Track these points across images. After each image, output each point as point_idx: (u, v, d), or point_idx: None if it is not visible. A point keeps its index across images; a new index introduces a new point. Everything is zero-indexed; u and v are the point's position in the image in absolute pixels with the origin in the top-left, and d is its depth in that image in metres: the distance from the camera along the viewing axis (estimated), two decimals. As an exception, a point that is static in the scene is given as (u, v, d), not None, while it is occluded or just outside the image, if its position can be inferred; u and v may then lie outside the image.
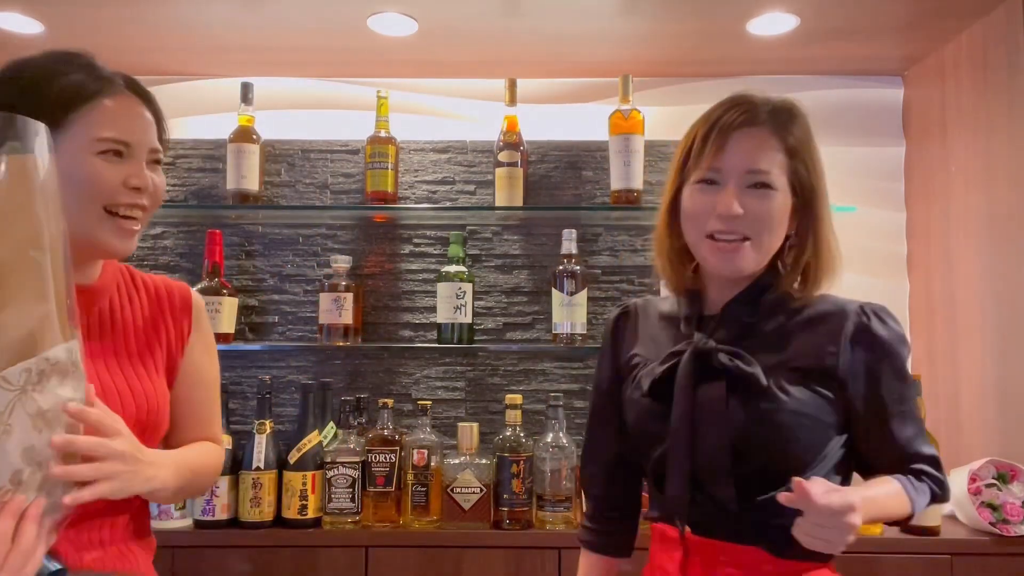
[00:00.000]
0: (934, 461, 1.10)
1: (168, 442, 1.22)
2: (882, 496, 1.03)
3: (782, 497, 0.92)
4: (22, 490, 0.81)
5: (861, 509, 0.90)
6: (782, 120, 1.11)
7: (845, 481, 1.12)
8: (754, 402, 1.06)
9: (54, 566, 0.88)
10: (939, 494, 1.09)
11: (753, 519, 1.05)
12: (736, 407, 1.07)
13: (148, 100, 1.11)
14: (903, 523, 1.09)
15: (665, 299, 1.28)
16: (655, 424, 1.13)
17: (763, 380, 1.05)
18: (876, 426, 1.09)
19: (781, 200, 1.10)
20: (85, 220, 1.03)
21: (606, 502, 1.30)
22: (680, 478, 1.09)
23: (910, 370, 1.13)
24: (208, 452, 1.23)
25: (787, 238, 1.14)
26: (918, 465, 1.08)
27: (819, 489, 0.90)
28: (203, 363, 1.25)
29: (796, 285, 1.14)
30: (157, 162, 1.11)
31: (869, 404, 1.09)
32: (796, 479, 0.91)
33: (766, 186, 1.09)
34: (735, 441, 1.06)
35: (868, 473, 1.12)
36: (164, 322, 1.20)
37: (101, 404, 0.94)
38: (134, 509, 1.14)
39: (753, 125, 1.10)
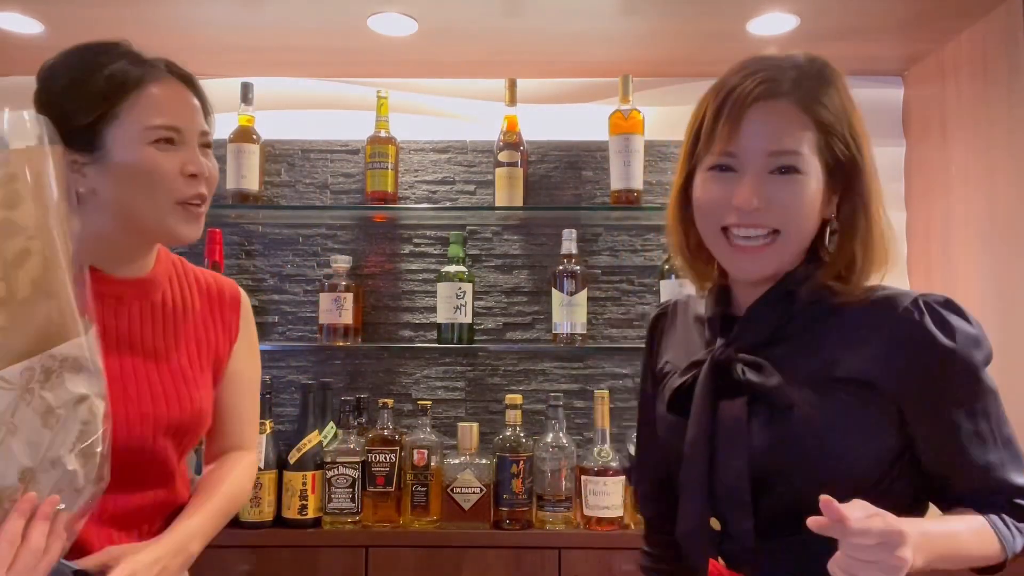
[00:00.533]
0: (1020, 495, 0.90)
1: (211, 444, 1.22)
2: (953, 531, 0.84)
3: (812, 522, 0.74)
4: (32, 488, 0.80)
5: (912, 541, 0.73)
6: (811, 88, 0.92)
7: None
8: (778, 422, 0.90)
9: (73, 567, 0.88)
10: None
11: (783, 557, 0.90)
12: (758, 428, 0.91)
13: (191, 84, 1.10)
14: (994, 570, 0.90)
15: (702, 297, 1.10)
16: (680, 443, 0.98)
17: (787, 396, 0.89)
18: (947, 453, 0.90)
19: (813, 185, 0.91)
20: (155, 210, 1.03)
21: (659, 522, 1.12)
22: (693, 509, 0.96)
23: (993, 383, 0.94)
24: (238, 479, 1.19)
25: (825, 223, 0.95)
26: (1016, 499, 0.89)
27: (858, 513, 0.73)
28: (247, 366, 1.24)
29: (838, 278, 0.95)
30: (207, 146, 1.10)
31: (933, 426, 0.90)
32: (825, 498, 0.73)
33: (793, 170, 0.90)
34: (755, 468, 0.90)
35: (950, 513, 0.93)
36: (215, 322, 1.19)
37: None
38: (169, 515, 1.13)
39: (774, 96, 0.91)
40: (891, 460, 0.91)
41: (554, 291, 2.18)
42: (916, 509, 0.94)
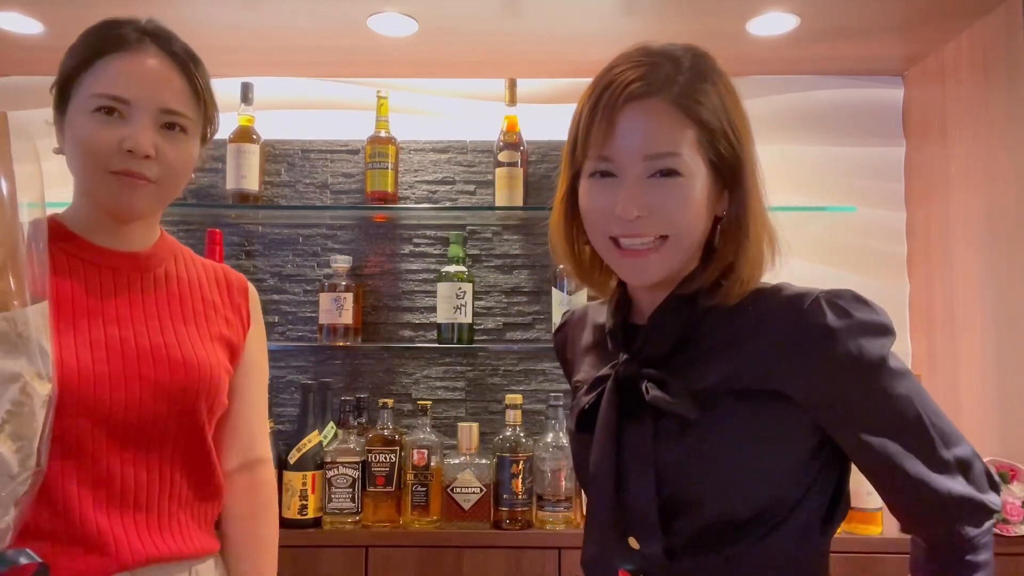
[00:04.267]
0: (967, 507, 0.87)
1: (227, 444, 1.17)
2: None
3: None
4: None
5: None
6: (687, 83, 0.86)
7: (824, 535, 0.89)
8: (685, 439, 0.85)
9: (31, 558, 0.82)
10: (983, 561, 0.87)
11: None
12: (666, 446, 0.86)
13: (183, 65, 1.05)
14: None
15: (604, 304, 1.03)
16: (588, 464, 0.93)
17: (692, 412, 0.84)
18: (872, 461, 0.86)
19: (698, 186, 0.85)
20: (90, 179, 1.02)
21: None
22: (600, 534, 0.91)
23: (903, 366, 0.88)
24: (262, 545, 1.21)
25: (717, 220, 0.91)
26: (952, 526, 0.87)
27: None
28: (260, 357, 1.24)
29: (730, 278, 0.89)
30: (176, 127, 1.03)
31: (852, 434, 0.85)
32: None
33: (674, 173, 0.85)
34: (665, 487, 0.86)
35: (904, 526, 0.92)
36: (223, 304, 1.17)
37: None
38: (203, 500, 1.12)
39: (648, 95, 0.85)
40: (817, 474, 0.87)
41: (554, 291, 2.18)
42: (827, 527, 0.89)
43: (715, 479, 0.85)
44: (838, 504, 0.90)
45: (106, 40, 1.03)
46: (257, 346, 1.22)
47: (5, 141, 0.82)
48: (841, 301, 0.84)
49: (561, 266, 0.99)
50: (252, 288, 1.24)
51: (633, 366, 0.90)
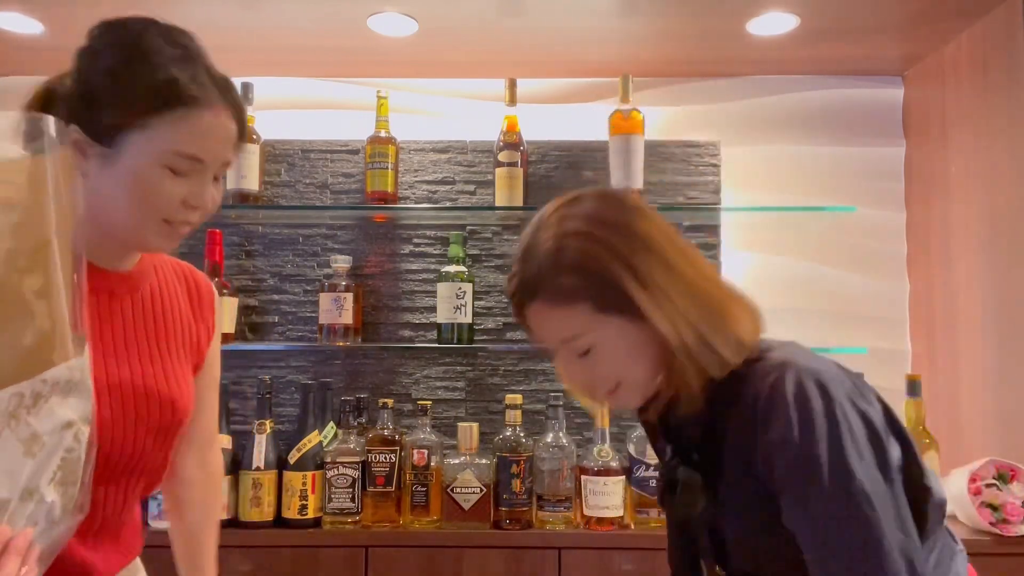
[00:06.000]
0: None
1: (183, 443, 1.20)
2: None
3: None
4: (7, 520, 0.74)
5: None
6: (553, 274, 0.93)
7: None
8: (725, 519, 0.98)
9: None
10: None
11: None
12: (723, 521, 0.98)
13: (239, 114, 1.01)
14: None
15: None
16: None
17: (718, 513, 0.96)
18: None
19: (615, 343, 0.93)
20: (136, 223, 0.97)
21: None
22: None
23: (853, 444, 0.86)
24: (217, 511, 1.31)
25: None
26: None
27: None
28: (216, 364, 1.25)
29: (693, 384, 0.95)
30: (223, 175, 1.04)
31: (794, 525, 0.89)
32: None
33: (586, 350, 0.94)
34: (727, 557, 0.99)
35: None
36: (195, 317, 1.17)
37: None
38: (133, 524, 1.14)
39: (527, 303, 0.96)
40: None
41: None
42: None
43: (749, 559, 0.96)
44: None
45: (196, 86, 0.95)
46: (215, 351, 1.24)
47: (67, 179, 0.80)
48: (782, 380, 0.89)
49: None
50: (216, 293, 1.24)
51: (673, 464, 1.01)
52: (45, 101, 0.98)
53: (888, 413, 0.95)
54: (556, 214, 0.96)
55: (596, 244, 0.92)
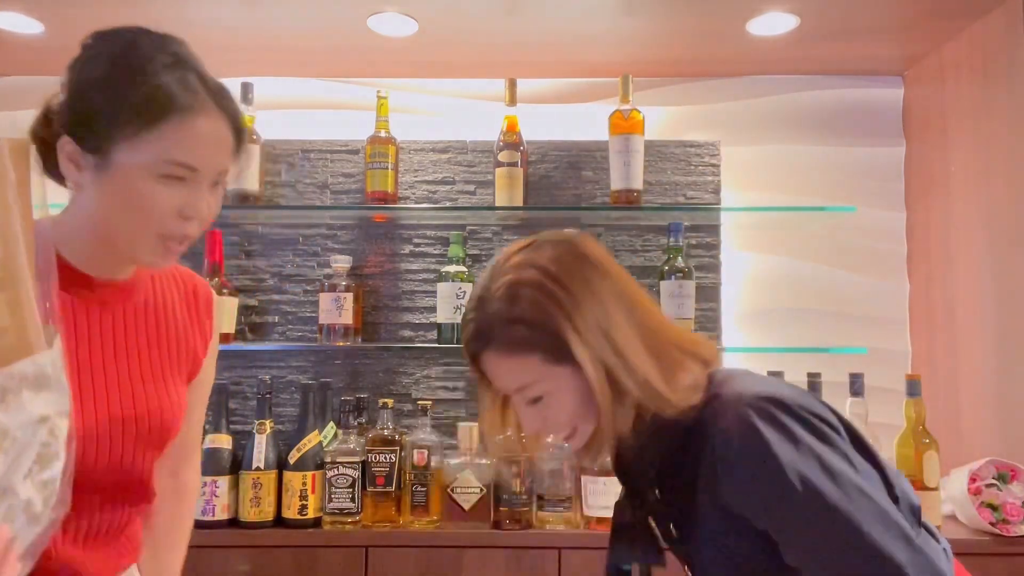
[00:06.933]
0: None
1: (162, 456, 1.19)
2: None
3: None
4: None
5: None
6: (503, 324, 0.96)
7: None
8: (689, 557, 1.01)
9: None
10: None
11: None
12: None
13: (234, 121, 1.00)
14: None
15: None
16: None
17: (685, 548, 1.00)
18: None
19: (567, 392, 0.96)
20: (132, 237, 0.96)
21: None
22: None
23: (809, 469, 0.87)
24: (188, 529, 1.25)
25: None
26: None
27: None
28: (210, 368, 1.23)
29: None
30: (219, 183, 1.02)
31: (785, 554, 0.92)
32: None
33: (537, 399, 0.98)
34: None
35: None
36: (192, 325, 1.15)
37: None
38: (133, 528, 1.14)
39: (481, 353, 0.99)
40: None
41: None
42: None
43: None
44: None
45: (187, 93, 0.94)
46: (210, 358, 1.21)
47: (25, 169, 0.78)
48: (726, 412, 0.92)
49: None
50: (216, 297, 1.23)
51: (637, 498, 1.06)
52: (45, 120, 0.98)
53: (849, 428, 0.97)
54: (510, 262, 0.99)
55: (546, 297, 0.94)
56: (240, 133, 1.01)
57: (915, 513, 0.97)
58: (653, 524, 1.04)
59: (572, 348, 0.93)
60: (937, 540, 0.99)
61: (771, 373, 1.98)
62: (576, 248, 0.99)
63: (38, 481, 0.76)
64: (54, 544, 0.96)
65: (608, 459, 1.11)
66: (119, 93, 0.92)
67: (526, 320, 0.95)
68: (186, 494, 1.25)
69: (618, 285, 0.98)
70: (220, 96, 0.98)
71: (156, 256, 0.99)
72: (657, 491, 1.03)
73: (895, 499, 0.94)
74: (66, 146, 0.93)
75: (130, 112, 0.91)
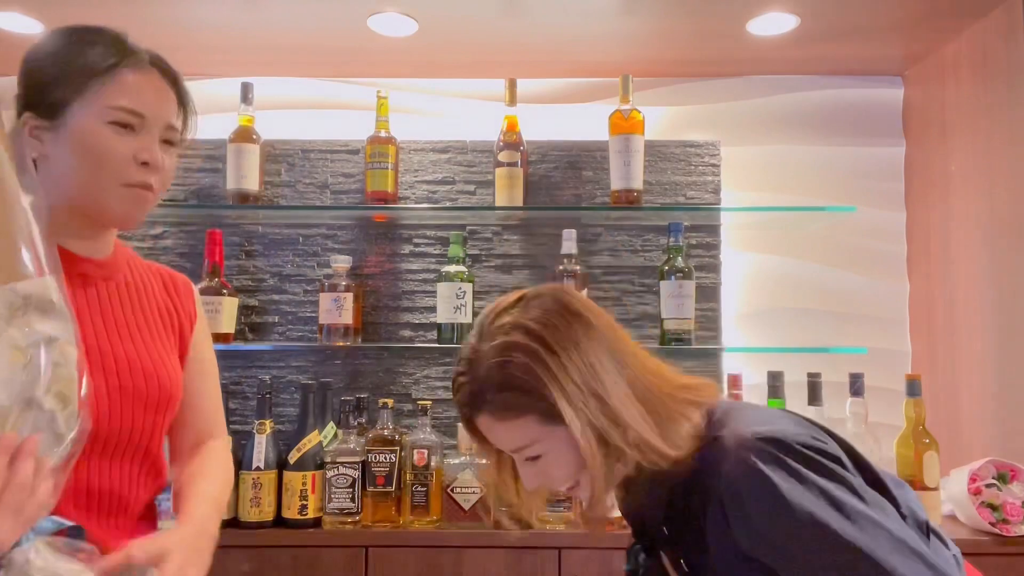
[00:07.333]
0: None
1: (181, 434, 1.22)
2: None
3: None
4: (11, 428, 0.76)
5: None
6: (483, 393, 0.97)
7: None
8: None
9: (67, 523, 0.85)
10: None
11: None
12: None
13: (174, 80, 1.09)
14: None
15: None
16: None
17: None
18: None
19: (564, 450, 0.96)
20: (99, 190, 1.03)
21: None
22: None
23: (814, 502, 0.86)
24: (223, 470, 1.21)
25: None
26: None
27: None
28: (207, 352, 1.27)
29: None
30: (171, 143, 1.09)
31: None
32: None
33: (534, 457, 0.98)
34: None
35: None
36: (173, 303, 1.21)
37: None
38: (144, 509, 1.14)
39: (476, 415, 0.99)
40: None
41: (554, 291, 2.18)
42: None
43: None
44: None
45: (119, 52, 1.04)
46: (204, 341, 1.26)
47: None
48: (733, 453, 0.90)
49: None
50: (194, 286, 1.29)
51: (638, 546, 1.07)
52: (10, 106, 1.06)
53: (851, 453, 0.97)
54: (498, 322, 0.98)
55: (536, 362, 0.94)
56: (181, 91, 1.10)
57: (922, 527, 0.97)
58: (667, 564, 1.04)
59: (563, 412, 0.92)
60: (947, 547, 0.99)
61: (771, 373, 1.98)
62: (563, 305, 0.99)
63: (57, 396, 0.80)
64: (62, 514, 0.96)
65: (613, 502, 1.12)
66: (65, 59, 1.03)
67: (517, 386, 0.94)
68: (217, 456, 1.23)
69: (606, 340, 0.98)
70: (156, 58, 1.09)
71: (126, 205, 1.05)
72: (665, 529, 1.03)
73: (902, 517, 0.93)
74: (28, 122, 1.02)
75: (76, 71, 1.02)
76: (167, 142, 1.08)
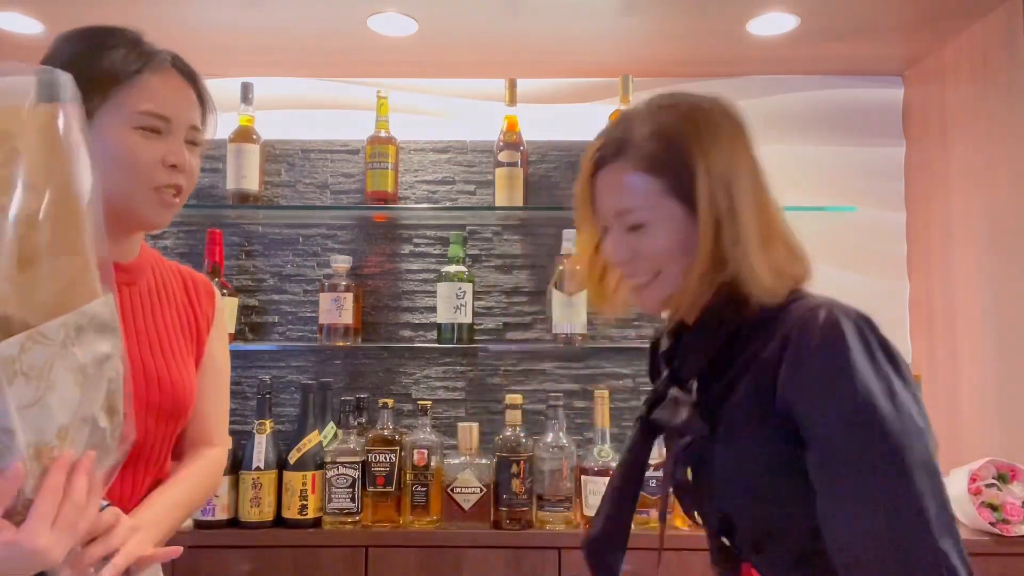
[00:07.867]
0: None
1: (182, 434, 1.22)
2: None
3: None
4: (69, 445, 0.79)
5: None
6: (644, 141, 0.95)
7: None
8: (705, 459, 0.95)
9: (102, 503, 0.89)
10: None
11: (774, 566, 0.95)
12: (698, 466, 0.98)
13: (194, 80, 1.10)
14: None
15: None
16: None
17: (698, 432, 0.94)
18: (820, 501, 0.86)
19: (667, 229, 0.95)
20: (129, 194, 1.04)
21: None
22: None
23: (874, 393, 0.83)
24: (201, 476, 1.20)
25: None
26: None
27: None
28: (220, 355, 1.27)
29: (747, 296, 0.94)
30: (195, 143, 1.10)
31: (809, 455, 0.87)
32: None
33: (639, 225, 0.96)
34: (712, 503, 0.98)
35: None
36: (193, 307, 1.22)
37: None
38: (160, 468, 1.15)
39: (612, 159, 0.97)
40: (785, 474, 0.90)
41: (554, 291, 2.18)
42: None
43: (719, 495, 0.96)
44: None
45: (141, 56, 1.05)
46: (218, 346, 1.27)
47: (54, 133, 0.82)
48: (818, 316, 0.87)
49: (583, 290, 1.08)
50: (217, 291, 1.29)
51: (666, 384, 1.01)
52: None
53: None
54: (665, 96, 1.00)
55: (691, 126, 0.95)
56: (202, 91, 1.11)
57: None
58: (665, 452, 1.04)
59: (696, 182, 0.92)
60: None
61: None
62: (729, 108, 1.00)
63: (108, 411, 0.83)
64: None
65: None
66: (87, 65, 1.02)
67: (667, 143, 0.94)
68: (209, 462, 1.23)
69: (754, 159, 0.99)
70: (176, 59, 1.09)
71: (155, 207, 1.06)
72: (695, 385, 0.98)
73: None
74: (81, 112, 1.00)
75: (99, 78, 1.02)
76: (191, 143, 1.09)
